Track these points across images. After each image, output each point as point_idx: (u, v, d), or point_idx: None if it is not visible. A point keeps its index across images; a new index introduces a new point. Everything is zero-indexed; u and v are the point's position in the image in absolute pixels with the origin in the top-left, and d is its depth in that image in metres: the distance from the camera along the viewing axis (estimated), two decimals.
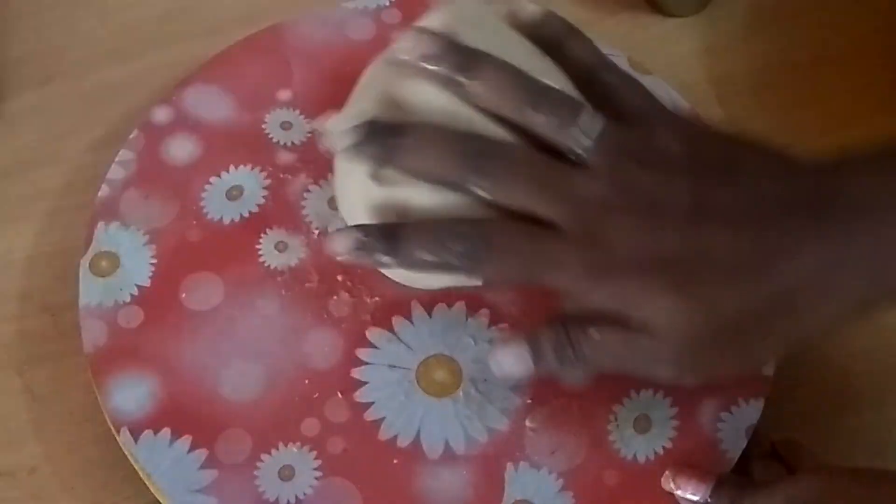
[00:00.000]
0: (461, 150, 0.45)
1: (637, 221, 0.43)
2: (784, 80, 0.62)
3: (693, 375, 0.46)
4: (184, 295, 0.50)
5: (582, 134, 0.44)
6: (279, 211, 0.53)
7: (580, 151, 0.44)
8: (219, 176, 0.54)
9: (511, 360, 0.46)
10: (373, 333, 0.50)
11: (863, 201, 0.43)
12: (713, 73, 0.62)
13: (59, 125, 0.58)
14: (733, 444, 0.49)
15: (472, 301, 0.51)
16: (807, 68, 0.62)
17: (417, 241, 0.45)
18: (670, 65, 0.61)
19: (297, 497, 0.47)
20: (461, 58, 0.45)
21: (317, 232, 0.52)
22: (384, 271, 0.49)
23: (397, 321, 0.50)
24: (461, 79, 0.45)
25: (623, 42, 0.60)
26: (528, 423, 0.49)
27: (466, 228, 0.45)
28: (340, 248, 0.45)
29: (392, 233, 0.45)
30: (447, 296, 0.51)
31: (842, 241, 0.42)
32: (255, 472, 0.47)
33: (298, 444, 0.48)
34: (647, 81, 0.52)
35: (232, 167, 0.54)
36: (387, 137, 0.45)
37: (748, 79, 0.62)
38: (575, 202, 0.44)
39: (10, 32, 0.61)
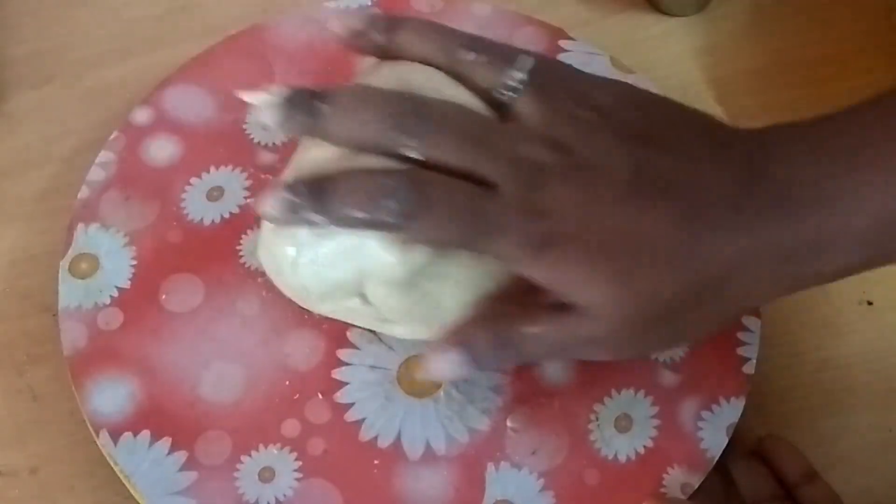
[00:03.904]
0: (388, 111, 0.43)
1: (577, 192, 0.42)
2: (784, 80, 0.62)
3: (626, 355, 0.46)
4: (164, 296, 0.50)
5: (515, 69, 0.44)
6: None
7: (515, 83, 0.43)
8: (199, 177, 0.53)
9: (447, 367, 0.45)
10: (353, 334, 0.50)
11: (792, 184, 0.42)
12: (713, 73, 0.62)
13: (58, 125, 0.58)
14: (714, 443, 0.49)
15: None
16: (807, 68, 0.62)
17: (348, 196, 0.42)
18: (670, 65, 0.61)
19: (277, 499, 0.46)
20: (385, 21, 0.46)
21: None
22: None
23: None
24: (385, 37, 0.45)
25: (623, 42, 0.60)
26: (508, 423, 0.49)
27: (402, 181, 0.42)
28: (268, 209, 0.42)
29: (321, 188, 0.42)
30: None
31: (773, 226, 0.42)
32: (235, 474, 0.47)
33: (279, 445, 0.48)
34: (630, 80, 0.52)
35: (212, 168, 0.54)
36: (310, 103, 0.43)
37: (748, 79, 0.62)
38: (511, 159, 0.42)
39: (10, 32, 0.61)
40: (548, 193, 0.42)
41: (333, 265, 0.45)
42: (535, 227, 0.42)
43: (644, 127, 0.43)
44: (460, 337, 0.45)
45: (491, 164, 0.42)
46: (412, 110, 0.43)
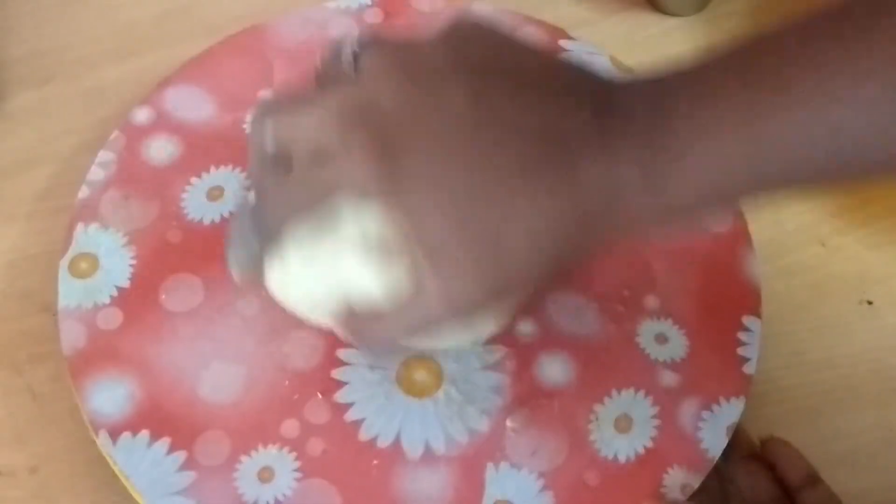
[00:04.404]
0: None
1: (416, 126, 0.40)
2: None
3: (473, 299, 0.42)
4: (163, 296, 0.50)
5: (349, 46, 0.43)
6: None
7: (350, 54, 0.43)
8: (199, 176, 0.53)
9: None
10: None
11: (637, 122, 0.40)
12: None
13: (58, 124, 0.58)
14: (714, 444, 0.49)
15: None
16: None
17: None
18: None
19: (276, 499, 0.46)
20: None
21: None
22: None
23: None
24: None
25: (623, 42, 0.60)
26: (508, 424, 0.49)
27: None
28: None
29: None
30: None
31: (624, 163, 0.40)
32: (234, 474, 0.47)
33: (278, 445, 0.48)
34: None
35: (212, 167, 0.54)
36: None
37: None
38: (341, 111, 0.41)
39: (10, 32, 0.61)
40: (390, 132, 0.40)
41: (321, 287, 0.45)
42: (383, 166, 0.40)
43: (482, 60, 0.41)
44: None
45: (331, 129, 0.41)
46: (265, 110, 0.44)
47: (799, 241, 0.58)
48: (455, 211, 0.40)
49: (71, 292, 0.50)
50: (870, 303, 0.56)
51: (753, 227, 0.55)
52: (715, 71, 0.40)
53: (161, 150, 0.54)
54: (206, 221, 0.52)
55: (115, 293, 0.50)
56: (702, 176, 0.40)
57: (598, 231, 0.41)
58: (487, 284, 0.41)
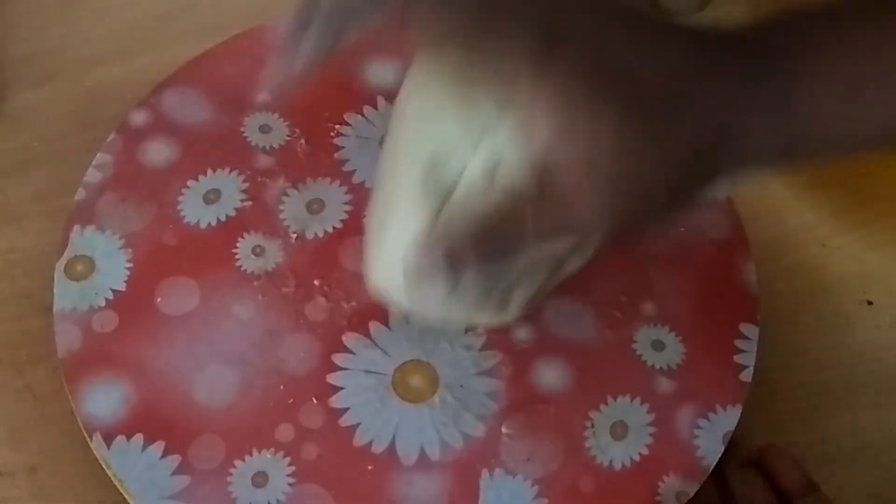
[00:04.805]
0: None
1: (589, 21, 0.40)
2: None
3: (611, 213, 0.40)
4: (159, 299, 0.50)
5: None
6: (257, 215, 0.53)
7: None
8: (196, 179, 0.53)
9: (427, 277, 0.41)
10: (349, 339, 0.50)
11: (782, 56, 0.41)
12: None
13: (59, 125, 0.58)
14: (710, 451, 0.49)
15: None
16: None
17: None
18: None
19: None
20: None
21: (294, 236, 0.52)
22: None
23: (374, 326, 0.50)
24: None
25: None
26: (504, 430, 0.49)
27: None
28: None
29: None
30: None
31: (751, 85, 0.40)
32: (228, 479, 0.47)
33: (272, 450, 0.47)
34: None
35: (210, 170, 0.54)
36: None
37: None
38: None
39: (10, 32, 0.61)
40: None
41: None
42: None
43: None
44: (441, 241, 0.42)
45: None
46: None
47: (799, 241, 0.58)
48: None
49: (66, 295, 0.50)
50: (870, 303, 0.56)
51: (753, 228, 0.55)
52: (848, 13, 0.41)
53: (158, 152, 0.54)
54: (203, 224, 0.52)
55: (110, 296, 0.50)
56: (831, 109, 0.40)
57: (716, 163, 0.40)
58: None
